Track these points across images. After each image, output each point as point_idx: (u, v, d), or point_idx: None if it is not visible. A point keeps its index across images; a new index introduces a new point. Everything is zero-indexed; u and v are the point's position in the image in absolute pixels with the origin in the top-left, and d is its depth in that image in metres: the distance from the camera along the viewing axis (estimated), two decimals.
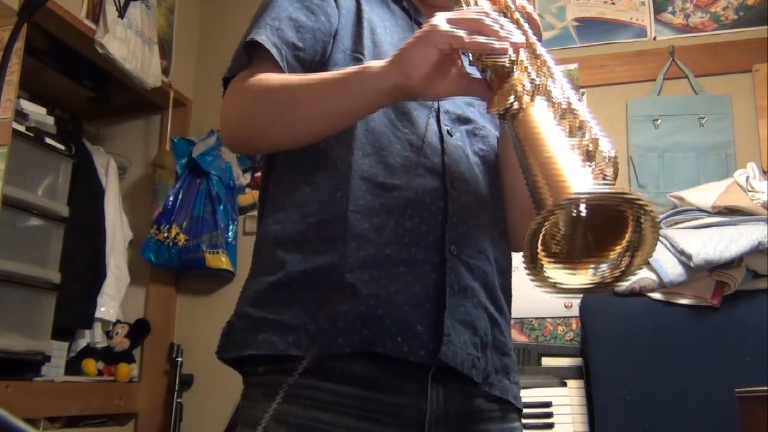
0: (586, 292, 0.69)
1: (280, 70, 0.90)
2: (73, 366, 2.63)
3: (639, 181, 2.53)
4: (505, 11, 0.88)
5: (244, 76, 0.92)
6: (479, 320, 0.90)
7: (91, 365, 2.65)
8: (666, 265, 1.98)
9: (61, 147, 2.54)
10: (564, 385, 2.08)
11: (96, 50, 2.49)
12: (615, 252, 0.66)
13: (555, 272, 0.67)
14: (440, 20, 0.77)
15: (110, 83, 2.95)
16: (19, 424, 0.38)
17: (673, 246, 2.02)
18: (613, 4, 2.76)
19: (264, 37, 0.90)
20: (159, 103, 3.03)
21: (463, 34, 0.75)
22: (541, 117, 0.70)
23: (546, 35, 2.79)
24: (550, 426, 2.03)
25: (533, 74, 0.75)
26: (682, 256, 1.96)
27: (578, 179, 0.63)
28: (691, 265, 1.93)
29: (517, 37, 0.77)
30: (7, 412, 0.38)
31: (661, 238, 2.10)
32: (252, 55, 0.92)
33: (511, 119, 0.73)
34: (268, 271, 0.90)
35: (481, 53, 0.77)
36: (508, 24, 0.78)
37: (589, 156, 0.67)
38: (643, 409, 1.93)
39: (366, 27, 0.98)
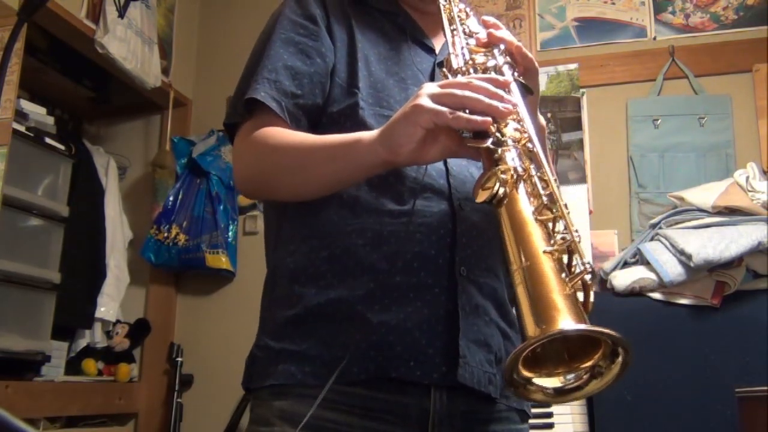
0: (554, 397, 0.71)
1: (283, 120, 0.93)
2: (73, 366, 2.63)
3: (639, 181, 2.53)
4: (493, 58, 0.90)
5: (250, 128, 0.94)
6: (492, 338, 0.91)
7: (91, 365, 2.65)
8: (666, 265, 1.99)
9: (61, 147, 2.54)
10: None
11: (96, 50, 2.49)
12: (583, 365, 0.69)
13: (539, 379, 0.69)
14: (424, 97, 0.78)
15: (110, 83, 2.95)
16: (19, 424, 0.38)
17: (673, 246, 2.02)
18: (613, 4, 2.76)
19: (263, 93, 0.92)
20: (159, 103, 3.03)
21: (446, 111, 0.76)
22: (524, 211, 0.72)
23: (546, 35, 2.79)
24: (550, 426, 2.03)
25: (517, 160, 0.76)
26: (682, 256, 1.96)
27: (562, 308, 0.64)
28: (691, 265, 1.93)
29: (506, 102, 0.78)
30: (7, 412, 0.38)
31: (661, 238, 2.10)
32: (254, 107, 0.94)
33: (496, 206, 0.75)
34: (286, 305, 0.92)
35: (465, 129, 0.79)
36: (494, 93, 0.79)
37: (570, 255, 0.68)
38: (643, 409, 1.93)
39: (360, 58, 0.99)
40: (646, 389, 1.93)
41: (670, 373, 1.92)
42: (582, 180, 2.57)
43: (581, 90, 2.69)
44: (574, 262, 0.68)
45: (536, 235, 0.70)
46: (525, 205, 0.73)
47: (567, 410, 2.06)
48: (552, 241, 0.69)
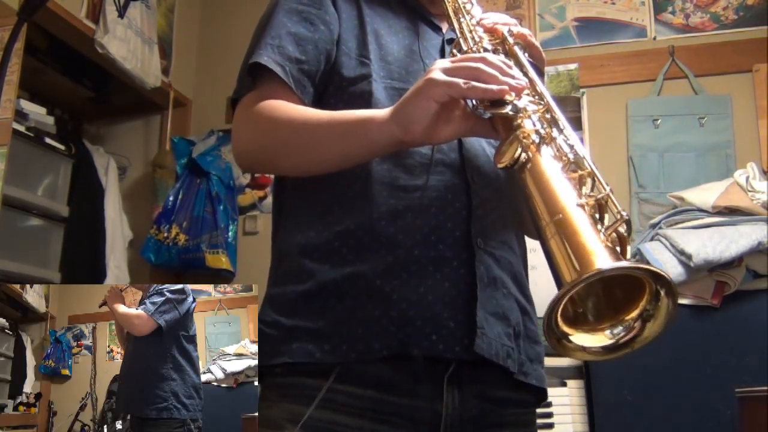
0: (606, 354, 0.69)
1: (287, 87, 0.91)
2: None
3: (639, 181, 2.53)
4: (503, 42, 0.90)
5: (252, 99, 0.92)
6: (511, 311, 0.91)
7: None
8: (666, 265, 1.98)
9: (61, 147, 2.55)
10: (564, 385, 2.08)
11: (96, 50, 2.49)
12: (628, 316, 0.67)
13: (577, 337, 0.67)
14: (437, 71, 0.77)
15: (110, 83, 2.95)
16: None
17: (673, 246, 2.02)
18: (613, 4, 2.76)
19: (266, 57, 0.91)
20: (159, 103, 3.04)
21: (460, 82, 0.75)
22: (549, 170, 0.70)
23: (546, 35, 2.79)
24: (550, 426, 2.03)
25: (537, 123, 0.74)
26: (682, 256, 1.96)
27: (598, 250, 0.62)
28: (691, 265, 1.93)
29: (518, 79, 0.77)
30: None
31: (661, 237, 2.10)
32: (257, 76, 0.93)
33: (518, 171, 0.73)
34: (295, 280, 0.90)
35: (480, 99, 0.77)
36: (507, 66, 0.78)
37: (602, 212, 0.66)
38: (643, 409, 1.93)
39: (370, 31, 0.98)
40: (646, 389, 1.93)
41: (670, 373, 1.92)
42: None
43: (581, 90, 2.69)
44: (607, 219, 0.66)
45: (566, 189, 0.68)
46: (550, 166, 0.71)
47: (567, 410, 2.06)
48: (583, 196, 0.67)
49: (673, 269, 1.97)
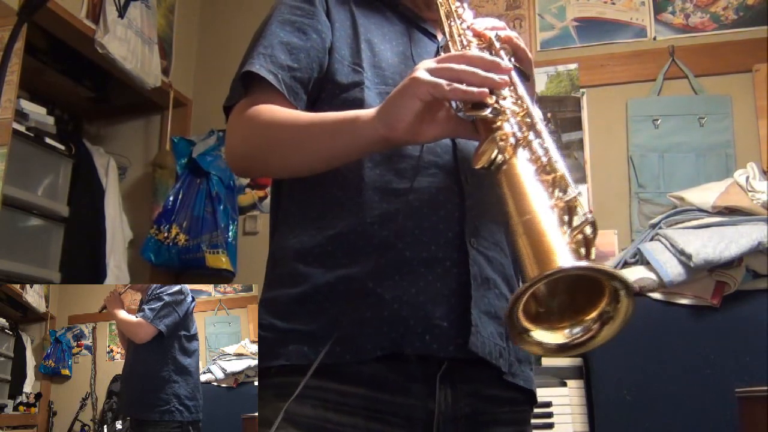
0: (559, 352, 0.71)
1: (280, 94, 0.92)
2: None
3: (639, 181, 2.53)
4: (490, 46, 0.91)
5: (244, 105, 0.94)
6: (503, 311, 0.91)
7: None
8: (666, 265, 1.99)
9: (61, 147, 2.55)
10: (564, 385, 2.08)
11: (96, 50, 2.49)
12: (588, 317, 0.69)
13: (537, 333, 0.69)
14: (421, 71, 0.78)
15: (110, 83, 2.96)
16: None
17: (673, 246, 2.02)
18: (613, 4, 2.76)
19: (258, 66, 0.92)
20: (159, 103, 3.04)
21: (443, 83, 0.76)
22: (523, 172, 0.73)
23: (546, 35, 2.79)
24: (550, 426, 2.03)
25: (515, 127, 0.76)
26: (682, 256, 1.96)
27: (561, 250, 0.65)
28: (691, 265, 1.93)
29: (500, 78, 0.79)
30: None
31: (660, 237, 2.10)
32: (250, 85, 0.94)
33: (495, 173, 0.75)
34: (290, 284, 0.91)
35: (462, 101, 0.79)
36: (490, 63, 0.79)
37: (570, 214, 0.69)
38: (643, 409, 1.93)
39: (363, 40, 1.00)
40: (646, 389, 1.93)
41: (670, 373, 1.93)
42: (582, 180, 2.57)
43: (581, 90, 2.69)
44: (575, 221, 0.68)
45: (536, 192, 0.71)
46: (524, 168, 0.73)
47: (567, 410, 2.06)
48: (552, 198, 0.70)
49: (673, 269, 1.97)
